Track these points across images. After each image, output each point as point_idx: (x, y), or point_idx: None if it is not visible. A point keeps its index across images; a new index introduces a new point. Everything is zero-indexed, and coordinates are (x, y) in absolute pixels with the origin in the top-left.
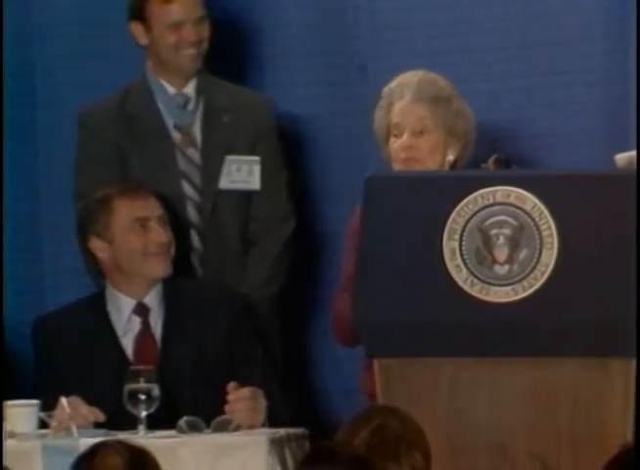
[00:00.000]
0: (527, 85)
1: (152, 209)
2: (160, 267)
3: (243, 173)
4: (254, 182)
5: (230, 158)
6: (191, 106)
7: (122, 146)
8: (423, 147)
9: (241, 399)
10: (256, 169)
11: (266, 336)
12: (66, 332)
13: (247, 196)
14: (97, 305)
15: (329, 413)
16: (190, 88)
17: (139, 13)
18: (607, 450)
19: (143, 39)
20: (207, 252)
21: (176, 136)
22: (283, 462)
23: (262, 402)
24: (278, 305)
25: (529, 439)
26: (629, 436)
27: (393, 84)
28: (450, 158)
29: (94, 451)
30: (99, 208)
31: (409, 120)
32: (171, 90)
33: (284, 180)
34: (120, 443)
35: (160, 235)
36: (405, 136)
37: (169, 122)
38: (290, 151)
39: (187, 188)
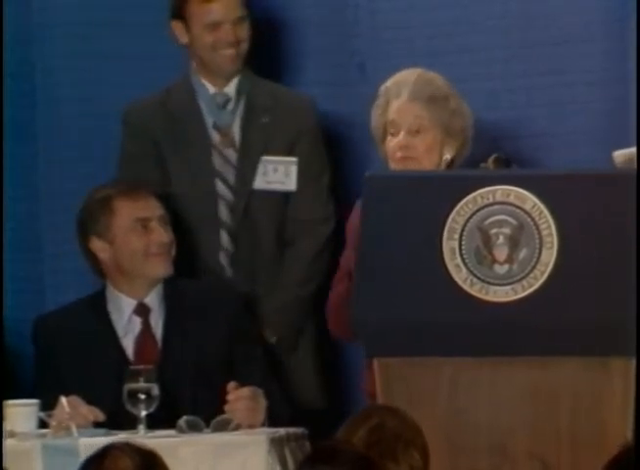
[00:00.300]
0: (527, 85)
1: (153, 209)
2: (162, 268)
3: (279, 174)
4: (291, 183)
5: (266, 158)
6: (231, 105)
7: (161, 144)
8: (419, 146)
9: (241, 398)
10: (293, 170)
11: (298, 336)
12: (66, 332)
13: (283, 197)
14: (97, 305)
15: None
16: (231, 88)
17: (179, 12)
18: (607, 450)
19: (183, 38)
20: (238, 252)
21: (215, 136)
22: (283, 462)
23: (262, 402)
24: (314, 305)
25: (529, 439)
26: (629, 435)
27: (390, 82)
28: (447, 156)
29: (103, 454)
30: (100, 208)
31: (405, 119)
32: (212, 89)
33: (325, 181)
34: (129, 445)
35: (162, 235)
36: (401, 135)
37: (209, 122)
38: None
39: (221, 187)
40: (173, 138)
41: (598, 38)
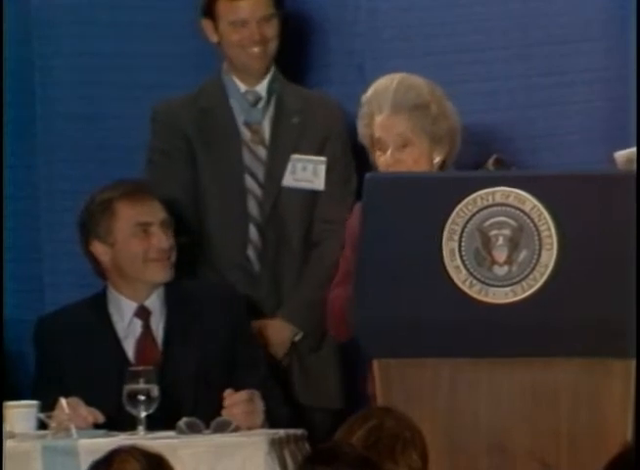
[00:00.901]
0: (527, 85)
1: (155, 213)
2: (161, 273)
3: (308, 173)
4: (319, 183)
5: (296, 156)
6: (261, 104)
7: (190, 139)
8: (407, 159)
9: (237, 403)
10: (321, 170)
11: (323, 337)
12: (67, 333)
13: (312, 197)
14: (98, 307)
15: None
16: (262, 87)
17: (209, 10)
18: (606, 450)
19: (213, 37)
20: (265, 247)
21: (245, 133)
22: (282, 463)
23: (259, 404)
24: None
25: (529, 439)
26: (629, 436)
27: (371, 92)
28: (437, 160)
29: (111, 457)
30: (101, 211)
31: (390, 136)
32: (243, 87)
33: (354, 185)
34: (136, 448)
35: (162, 241)
36: (389, 153)
37: (239, 119)
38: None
39: (250, 182)
40: (204, 134)
41: (598, 38)
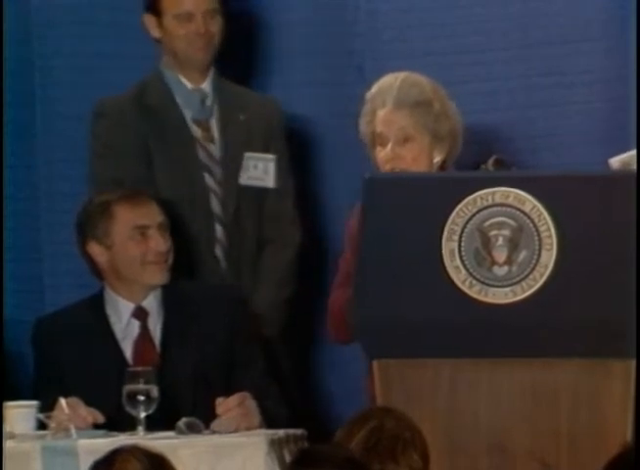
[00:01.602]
0: (527, 85)
1: (152, 216)
2: (158, 276)
3: (259, 171)
4: (269, 180)
5: (248, 154)
6: (209, 102)
7: (145, 135)
8: (407, 156)
9: (229, 409)
10: (271, 167)
11: (270, 340)
12: (65, 333)
13: (263, 195)
14: (96, 308)
15: (329, 415)
16: (207, 84)
17: (152, 5)
18: (606, 451)
19: (155, 32)
20: (230, 246)
21: (196, 130)
22: (282, 463)
23: (252, 404)
24: (289, 309)
25: (529, 439)
26: (629, 436)
27: (375, 89)
28: (438, 159)
29: (112, 457)
30: (99, 213)
31: (391, 130)
32: (189, 85)
33: (292, 184)
34: (137, 448)
35: (159, 244)
36: (389, 147)
37: (188, 116)
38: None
39: (210, 181)
40: (155, 131)
41: (597, 38)
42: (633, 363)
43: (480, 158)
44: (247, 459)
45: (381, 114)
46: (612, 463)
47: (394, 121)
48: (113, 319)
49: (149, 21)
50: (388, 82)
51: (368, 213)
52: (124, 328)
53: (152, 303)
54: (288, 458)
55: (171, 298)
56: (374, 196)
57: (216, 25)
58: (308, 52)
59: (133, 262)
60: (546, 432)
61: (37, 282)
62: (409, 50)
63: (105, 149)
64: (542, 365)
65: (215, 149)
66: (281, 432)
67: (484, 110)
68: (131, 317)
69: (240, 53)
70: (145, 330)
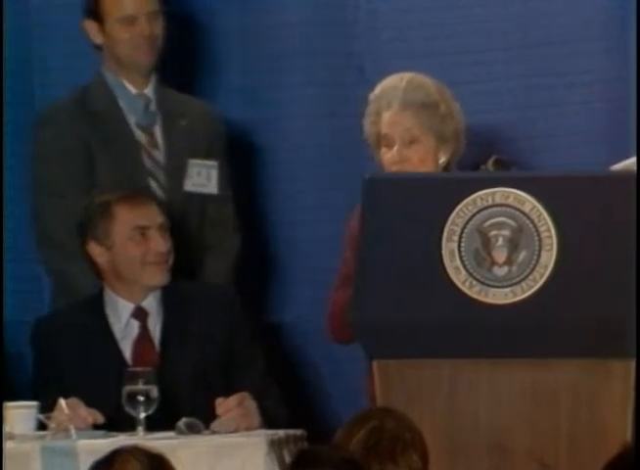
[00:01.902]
0: (527, 86)
1: (153, 216)
2: (158, 276)
3: (202, 177)
4: (212, 187)
5: (192, 161)
6: (152, 107)
7: (89, 142)
8: (413, 157)
9: (229, 409)
10: (214, 174)
11: None
12: (64, 334)
13: (204, 201)
14: (95, 308)
15: (329, 415)
16: (149, 90)
17: (92, 10)
18: (606, 451)
19: (97, 38)
20: (175, 253)
21: (140, 135)
22: (281, 463)
23: (252, 404)
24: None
25: (529, 439)
26: (629, 437)
27: (379, 90)
28: (443, 160)
29: (112, 458)
30: (99, 213)
31: (397, 132)
32: (133, 90)
33: (230, 192)
34: (137, 448)
35: (160, 245)
36: (395, 149)
37: (132, 121)
38: (286, 151)
39: (155, 187)
40: (99, 137)
41: (597, 39)
42: (633, 364)
43: (479, 158)
44: (246, 460)
45: (386, 115)
46: (611, 463)
47: (400, 123)
48: (112, 319)
49: (90, 27)
50: (394, 83)
51: (368, 214)
52: (124, 328)
53: (151, 303)
54: (287, 459)
55: (171, 298)
56: (374, 196)
57: (159, 27)
58: (308, 52)
59: (133, 263)
60: (546, 432)
61: (37, 283)
62: (409, 50)
63: (49, 155)
64: (542, 366)
65: (160, 155)
66: (281, 432)
67: (484, 110)
68: (131, 317)
69: (239, 53)
70: (144, 330)
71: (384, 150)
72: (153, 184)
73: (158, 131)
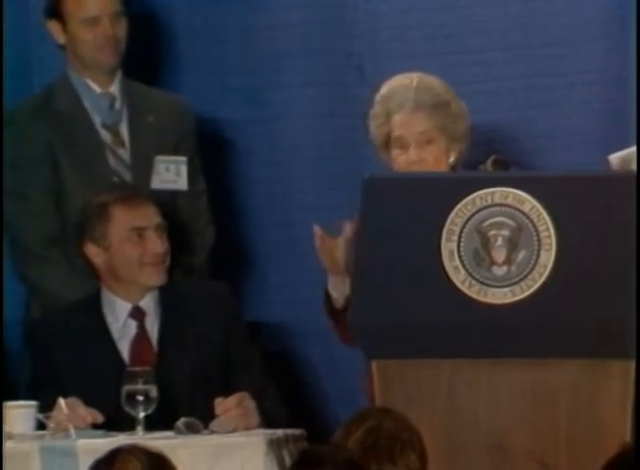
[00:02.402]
0: (527, 86)
1: (150, 217)
2: (155, 277)
3: (171, 173)
4: (182, 182)
5: (159, 158)
6: (117, 105)
7: (52, 143)
8: (429, 158)
9: (228, 409)
10: (184, 170)
11: None
12: (62, 334)
13: (175, 197)
14: (93, 308)
15: (328, 415)
16: (115, 87)
17: (55, 10)
18: (605, 451)
19: (60, 38)
20: None
21: (105, 135)
22: (281, 463)
23: (251, 404)
24: None
25: (528, 439)
26: (628, 437)
27: (387, 90)
28: (452, 160)
29: (112, 457)
30: (96, 214)
31: (412, 134)
32: (97, 89)
33: (204, 185)
34: (137, 447)
35: (157, 246)
36: (411, 151)
37: (97, 121)
38: (286, 151)
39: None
40: (63, 138)
41: (597, 39)
42: (632, 364)
43: (478, 158)
44: (245, 459)
45: (397, 117)
46: (610, 463)
47: (414, 125)
48: (109, 319)
49: (53, 27)
50: (403, 84)
51: (366, 214)
52: (121, 328)
53: (149, 303)
54: (287, 458)
55: (168, 297)
56: (373, 196)
57: (123, 28)
58: (308, 52)
59: (130, 264)
60: (545, 432)
61: None
62: (409, 50)
63: (13, 158)
64: (541, 366)
65: (125, 153)
66: (280, 432)
67: (484, 110)
68: (128, 317)
69: (238, 53)
70: (142, 330)
71: (396, 151)
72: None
73: (124, 129)
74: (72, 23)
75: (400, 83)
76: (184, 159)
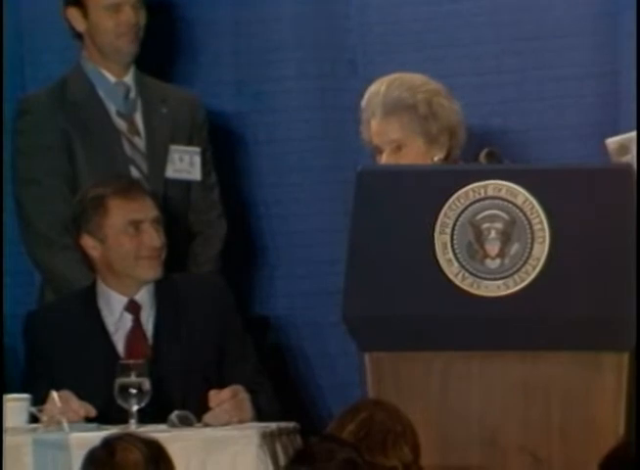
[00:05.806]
0: (518, 79)
1: (146, 210)
2: (151, 271)
3: (185, 163)
4: (196, 173)
5: (174, 147)
6: (132, 95)
7: (68, 132)
8: (402, 162)
9: (222, 401)
10: (197, 160)
11: None
12: (57, 327)
13: (187, 187)
14: (88, 301)
15: (321, 408)
16: (129, 77)
17: None
18: (597, 444)
19: (80, 25)
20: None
21: (120, 123)
22: (274, 456)
23: (244, 396)
24: None
25: (520, 432)
26: (620, 430)
27: (366, 97)
28: (438, 157)
29: (111, 448)
30: (93, 207)
31: (383, 141)
32: (112, 79)
33: (216, 178)
34: (131, 436)
35: (153, 239)
36: (384, 157)
37: (112, 110)
38: (279, 144)
39: (136, 174)
40: (79, 127)
41: (589, 32)
42: (625, 357)
43: (471, 151)
44: (238, 453)
45: (373, 124)
46: (609, 457)
47: (384, 132)
48: (104, 313)
49: (72, 14)
50: (375, 90)
51: (359, 206)
52: (116, 321)
53: (144, 296)
54: (280, 451)
55: (164, 291)
56: (365, 189)
57: (143, 16)
58: (300, 45)
59: (126, 257)
60: (537, 425)
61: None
62: (400, 44)
63: (28, 146)
64: (534, 358)
65: (141, 142)
66: (273, 425)
67: (476, 103)
68: (124, 311)
69: (232, 46)
70: (137, 323)
71: (378, 157)
72: (134, 171)
73: (138, 118)
74: (94, 10)
75: (374, 89)
76: (198, 149)
